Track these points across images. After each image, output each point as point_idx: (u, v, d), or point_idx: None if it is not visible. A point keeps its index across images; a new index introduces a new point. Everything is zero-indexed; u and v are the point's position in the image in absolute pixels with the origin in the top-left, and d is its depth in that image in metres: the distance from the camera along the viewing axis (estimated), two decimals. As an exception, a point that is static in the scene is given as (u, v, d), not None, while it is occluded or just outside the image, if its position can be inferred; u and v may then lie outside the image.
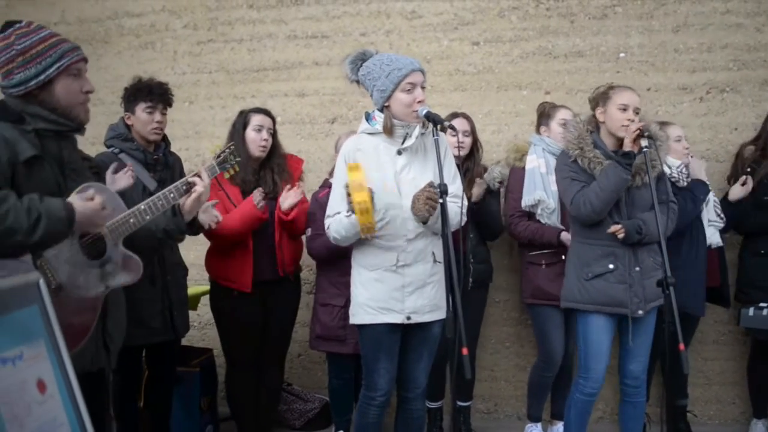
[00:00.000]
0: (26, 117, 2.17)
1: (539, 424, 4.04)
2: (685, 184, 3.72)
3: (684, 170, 3.74)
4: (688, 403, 4.05)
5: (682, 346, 2.72)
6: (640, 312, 3.12)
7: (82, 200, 2.14)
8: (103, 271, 2.31)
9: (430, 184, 2.66)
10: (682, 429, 3.97)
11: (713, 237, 3.83)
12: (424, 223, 2.72)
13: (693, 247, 3.76)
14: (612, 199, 3.09)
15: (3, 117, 2.16)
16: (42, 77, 2.16)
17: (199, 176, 2.57)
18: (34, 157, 2.12)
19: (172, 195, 2.48)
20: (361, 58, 2.88)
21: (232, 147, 2.79)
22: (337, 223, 2.83)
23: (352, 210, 2.68)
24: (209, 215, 2.84)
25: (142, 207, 2.40)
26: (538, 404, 4.03)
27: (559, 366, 3.84)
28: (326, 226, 2.92)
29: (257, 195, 3.42)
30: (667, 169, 3.53)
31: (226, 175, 2.82)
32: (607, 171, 3.08)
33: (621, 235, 3.07)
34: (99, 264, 2.31)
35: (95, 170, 2.47)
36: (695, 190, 3.73)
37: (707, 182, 3.80)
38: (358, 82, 2.91)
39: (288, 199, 3.50)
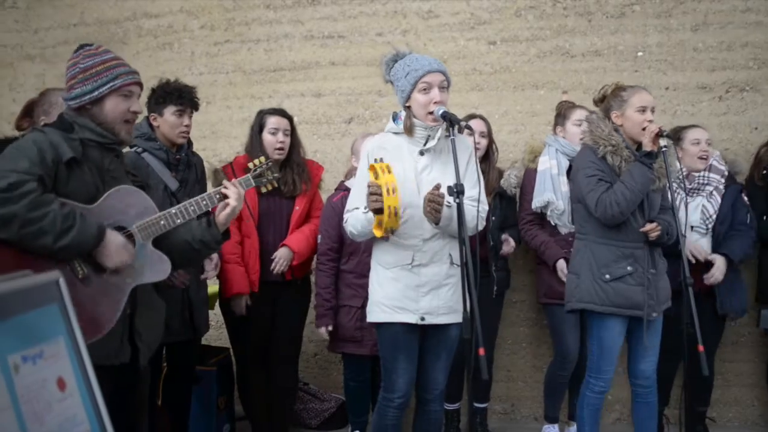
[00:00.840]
0: (75, 126, 2.38)
1: (556, 426, 4.02)
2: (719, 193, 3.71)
3: (704, 177, 3.73)
4: (707, 410, 4.01)
5: (701, 348, 2.70)
6: (654, 314, 3.11)
7: (119, 237, 2.32)
8: (131, 266, 2.37)
9: (436, 187, 2.65)
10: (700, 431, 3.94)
11: (699, 242, 3.73)
12: (436, 224, 2.71)
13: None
14: (638, 199, 3.06)
15: (56, 125, 2.40)
16: (95, 93, 2.37)
17: (233, 187, 2.58)
18: (73, 159, 2.29)
19: (204, 202, 2.52)
20: (394, 59, 2.90)
21: (270, 163, 2.78)
22: (355, 218, 2.85)
23: (372, 210, 2.68)
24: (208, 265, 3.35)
25: (174, 211, 2.47)
26: (555, 405, 4.01)
27: (575, 365, 3.82)
28: (344, 220, 2.95)
29: (240, 306, 3.58)
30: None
31: (263, 190, 2.83)
32: (633, 171, 3.05)
33: (657, 233, 3.04)
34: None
35: (139, 184, 2.56)
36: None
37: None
38: (392, 82, 2.92)
39: (279, 264, 3.61)
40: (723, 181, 3.76)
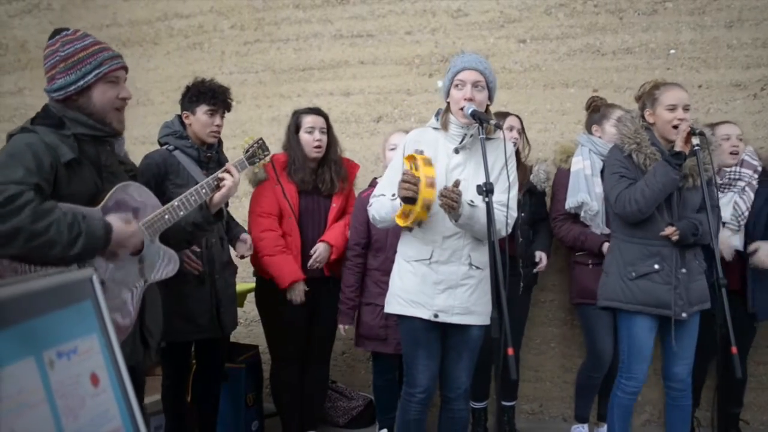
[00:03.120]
0: (66, 121, 2.26)
1: (586, 426, 3.98)
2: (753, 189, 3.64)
3: (736, 173, 3.66)
4: (741, 411, 3.94)
5: (734, 350, 2.66)
6: (684, 315, 3.07)
7: (120, 221, 2.24)
8: (141, 266, 2.38)
9: (455, 183, 2.66)
10: (733, 435, 3.88)
11: (731, 239, 3.66)
12: (456, 221, 2.71)
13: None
14: (659, 198, 3.02)
15: (45, 122, 2.26)
16: (81, 83, 2.25)
17: (229, 172, 2.68)
18: (73, 159, 2.21)
19: (203, 191, 2.57)
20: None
21: (261, 141, 2.87)
22: (380, 203, 2.89)
23: (400, 197, 2.70)
24: (242, 248, 3.36)
25: (176, 203, 2.47)
26: (586, 405, 3.97)
27: (608, 367, 3.78)
28: (369, 204, 2.99)
29: (300, 291, 3.57)
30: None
31: (256, 169, 2.91)
32: (656, 169, 3.02)
33: (675, 238, 3.01)
34: (138, 260, 2.38)
35: (131, 173, 2.55)
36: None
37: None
38: None
39: (320, 256, 3.63)
40: (756, 176, 3.69)
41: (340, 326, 3.69)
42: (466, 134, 2.84)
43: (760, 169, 3.72)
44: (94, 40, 2.33)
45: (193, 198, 2.52)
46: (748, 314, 3.66)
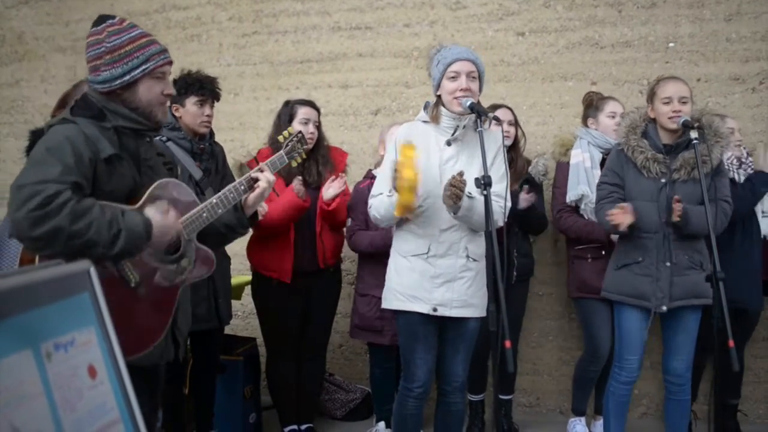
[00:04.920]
0: (107, 113, 2.18)
1: (583, 419, 4.00)
2: (741, 179, 3.62)
3: (735, 162, 3.64)
4: (739, 403, 3.95)
5: (731, 343, 2.66)
6: (664, 308, 3.08)
7: (158, 214, 2.15)
8: (179, 266, 2.30)
9: (460, 173, 2.64)
10: (732, 428, 3.88)
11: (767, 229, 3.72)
12: (454, 213, 2.70)
13: (747, 239, 3.66)
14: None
15: (84, 112, 2.17)
16: (127, 78, 2.17)
17: (263, 171, 2.54)
18: (114, 155, 2.13)
19: (242, 187, 2.46)
20: (436, 52, 2.92)
21: (300, 134, 2.78)
22: (379, 202, 2.87)
23: (395, 188, 2.68)
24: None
25: (214, 201, 2.38)
26: (583, 398, 3.98)
27: (605, 360, 3.79)
28: (369, 206, 2.96)
29: (296, 183, 3.44)
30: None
31: (294, 164, 2.81)
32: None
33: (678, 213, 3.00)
34: (175, 259, 2.30)
35: (169, 166, 2.47)
36: (756, 181, 3.62)
37: None
38: None
39: (331, 189, 3.54)
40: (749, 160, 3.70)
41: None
42: (458, 126, 2.83)
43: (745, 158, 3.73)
44: (142, 32, 2.23)
45: (231, 195, 2.42)
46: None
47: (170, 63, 2.28)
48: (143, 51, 2.18)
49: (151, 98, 2.21)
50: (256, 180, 2.49)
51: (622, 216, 3.00)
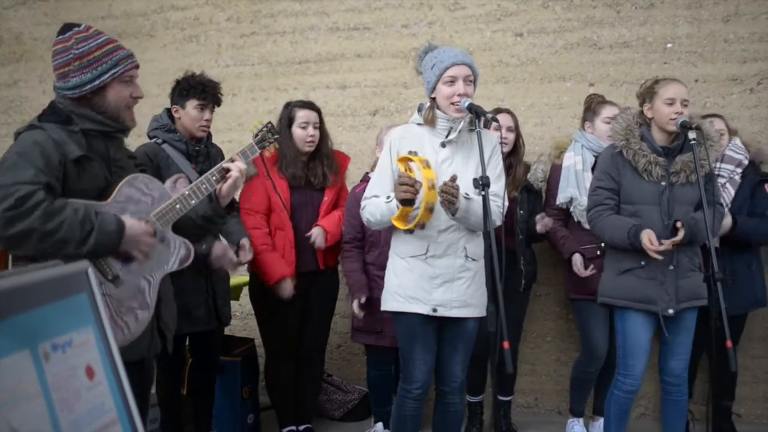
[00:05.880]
0: (74, 117, 2.25)
1: (581, 420, 4.00)
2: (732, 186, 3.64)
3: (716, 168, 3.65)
4: (732, 404, 3.96)
5: (729, 343, 2.67)
6: (670, 311, 3.07)
7: (134, 220, 2.23)
8: (155, 258, 2.36)
9: (452, 178, 2.64)
10: (727, 429, 3.88)
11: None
12: (453, 215, 2.70)
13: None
14: (620, 244, 3.10)
15: (51, 118, 2.25)
16: (97, 82, 2.24)
17: (234, 161, 2.61)
18: (82, 156, 2.20)
19: (214, 178, 2.51)
20: (426, 51, 2.90)
21: (270, 125, 2.83)
22: (374, 206, 2.85)
23: (398, 200, 2.69)
24: (244, 255, 3.21)
25: (187, 192, 2.44)
26: (581, 399, 3.99)
27: (602, 361, 3.79)
28: (362, 207, 2.95)
29: (288, 287, 3.54)
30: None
31: (267, 153, 2.86)
32: (617, 232, 3.08)
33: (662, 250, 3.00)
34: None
35: (141, 168, 2.53)
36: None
37: None
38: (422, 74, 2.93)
39: (317, 239, 3.59)
40: (739, 170, 3.69)
41: (355, 303, 3.59)
42: (451, 128, 2.82)
43: (746, 162, 3.71)
44: (108, 38, 2.31)
45: (204, 186, 2.48)
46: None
47: (137, 67, 2.37)
48: (111, 56, 2.27)
49: (119, 102, 2.30)
50: (228, 170, 2.54)
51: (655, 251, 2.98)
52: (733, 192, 3.66)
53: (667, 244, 2.96)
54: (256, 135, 2.79)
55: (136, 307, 2.28)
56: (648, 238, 2.96)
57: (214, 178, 2.51)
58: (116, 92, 2.28)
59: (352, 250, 3.66)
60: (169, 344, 2.50)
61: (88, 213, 2.12)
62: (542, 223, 3.72)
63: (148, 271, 2.35)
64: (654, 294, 3.07)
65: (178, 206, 2.41)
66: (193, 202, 2.44)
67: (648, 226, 3.04)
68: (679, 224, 3.00)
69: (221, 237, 3.32)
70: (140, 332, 2.26)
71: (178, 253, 2.45)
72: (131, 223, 2.22)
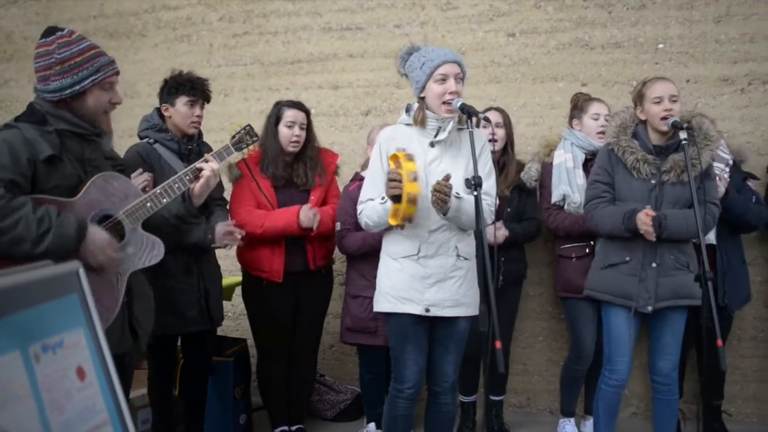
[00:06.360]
0: (49, 118, 2.28)
1: (572, 419, 4.01)
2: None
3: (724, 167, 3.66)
4: (722, 403, 3.97)
5: (719, 342, 2.68)
6: (649, 308, 3.09)
7: (99, 229, 2.25)
8: (125, 253, 2.38)
9: (446, 177, 2.64)
10: (717, 428, 3.90)
11: None
12: (444, 214, 2.71)
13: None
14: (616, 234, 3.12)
15: (28, 118, 2.29)
16: (77, 87, 2.28)
17: (207, 161, 2.66)
18: (53, 155, 2.23)
19: (187, 177, 2.55)
20: (409, 52, 2.89)
21: (248, 127, 2.85)
22: (371, 209, 2.85)
23: (391, 199, 2.68)
24: (229, 237, 3.17)
25: (158, 191, 2.46)
26: (571, 399, 4.00)
27: (592, 360, 3.80)
28: (358, 212, 2.94)
29: (305, 212, 3.49)
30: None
31: (245, 153, 2.89)
32: (615, 221, 3.08)
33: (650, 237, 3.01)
34: (121, 247, 2.38)
35: (119, 168, 2.55)
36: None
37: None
38: (407, 75, 2.91)
39: (305, 222, 3.52)
40: (727, 170, 3.70)
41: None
42: (440, 127, 2.82)
43: (731, 162, 3.73)
44: (90, 44, 2.35)
45: (176, 185, 2.51)
46: (720, 306, 3.68)
47: (118, 74, 2.40)
48: (93, 62, 2.30)
49: (98, 107, 2.33)
50: (201, 170, 2.57)
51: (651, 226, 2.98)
52: (723, 189, 3.67)
53: (649, 212, 2.99)
54: (234, 137, 2.81)
55: (101, 302, 2.26)
56: (644, 216, 2.98)
57: (187, 177, 2.55)
58: (96, 98, 2.32)
59: (350, 229, 3.64)
60: (142, 343, 2.51)
61: (49, 213, 2.13)
62: (500, 233, 3.67)
63: (117, 266, 2.36)
64: (632, 290, 3.10)
65: (149, 204, 2.43)
66: (165, 200, 2.47)
67: None
68: (647, 211, 3.00)
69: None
70: (106, 326, 2.26)
71: (148, 250, 2.45)
72: (95, 230, 2.22)
